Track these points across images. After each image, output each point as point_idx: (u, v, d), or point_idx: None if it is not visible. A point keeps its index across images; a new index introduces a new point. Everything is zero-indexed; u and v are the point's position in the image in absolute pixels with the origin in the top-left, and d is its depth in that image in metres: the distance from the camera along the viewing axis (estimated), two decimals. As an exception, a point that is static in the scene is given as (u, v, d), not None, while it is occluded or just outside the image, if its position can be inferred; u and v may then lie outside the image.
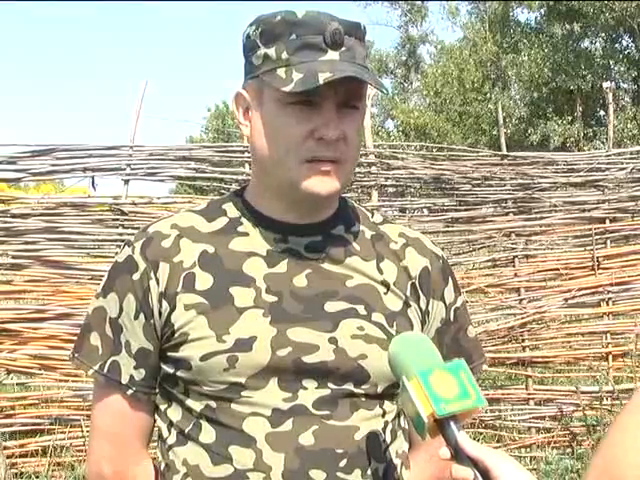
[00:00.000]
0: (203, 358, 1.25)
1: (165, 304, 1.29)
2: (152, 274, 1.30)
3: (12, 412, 4.21)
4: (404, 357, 1.18)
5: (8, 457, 4.05)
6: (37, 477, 4.06)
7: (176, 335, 1.28)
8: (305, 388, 1.26)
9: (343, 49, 1.26)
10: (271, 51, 1.27)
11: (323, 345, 1.27)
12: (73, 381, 4.17)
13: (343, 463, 1.25)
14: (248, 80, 1.33)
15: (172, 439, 1.31)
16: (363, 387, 1.28)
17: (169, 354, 1.29)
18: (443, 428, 1.13)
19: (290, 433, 1.24)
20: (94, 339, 1.34)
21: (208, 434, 1.26)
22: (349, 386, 1.27)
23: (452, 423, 1.13)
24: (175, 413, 1.31)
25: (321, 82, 1.21)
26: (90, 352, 1.34)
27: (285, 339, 1.26)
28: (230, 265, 1.30)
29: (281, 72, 1.25)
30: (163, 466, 1.33)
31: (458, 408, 1.12)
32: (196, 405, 1.28)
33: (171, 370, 1.30)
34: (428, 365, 1.15)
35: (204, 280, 1.29)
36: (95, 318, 1.35)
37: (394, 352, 1.20)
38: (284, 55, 1.26)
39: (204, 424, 1.27)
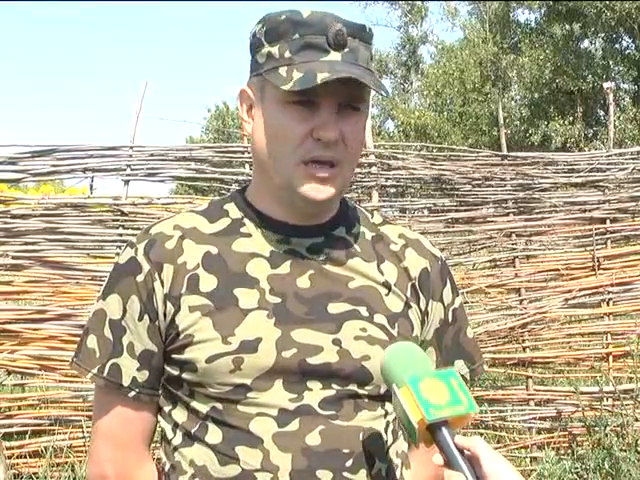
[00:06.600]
0: (209, 360, 1.25)
1: (170, 306, 1.28)
2: (156, 275, 1.29)
3: (12, 413, 4.20)
4: (395, 366, 1.19)
5: (8, 458, 4.05)
6: (37, 478, 4.05)
7: (181, 337, 1.27)
8: (310, 389, 1.26)
9: (346, 50, 1.25)
10: (274, 49, 1.27)
11: (327, 346, 1.27)
12: (73, 382, 4.17)
13: (349, 463, 1.25)
14: (252, 77, 1.33)
15: (178, 440, 1.30)
16: (366, 388, 1.28)
17: (174, 356, 1.29)
18: (435, 435, 1.13)
19: (297, 433, 1.23)
20: (91, 342, 1.33)
21: (215, 435, 1.26)
22: (353, 387, 1.27)
23: (444, 430, 1.13)
24: (180, 414, 1.30)
25: (318, 82, 1.20)
26: (88, 355, 1.33)
27: (290, 340, 1.26)
28: (234, 266, 1.30)
29: (282, 71, 1.25)
30: (168, 467, 1.32)
31: (448, 414, 1.12)
32: (202, 407, 1.27)
33: (176, 372, 1.29)
34: (418, 373, 1.16)
35: (208, 281, 1.28)
36: (94, 321, 1.35)
37: (386, 361, 1.21)
38: (287, 54, 1.26)
39: (210, 425, 1.27)
